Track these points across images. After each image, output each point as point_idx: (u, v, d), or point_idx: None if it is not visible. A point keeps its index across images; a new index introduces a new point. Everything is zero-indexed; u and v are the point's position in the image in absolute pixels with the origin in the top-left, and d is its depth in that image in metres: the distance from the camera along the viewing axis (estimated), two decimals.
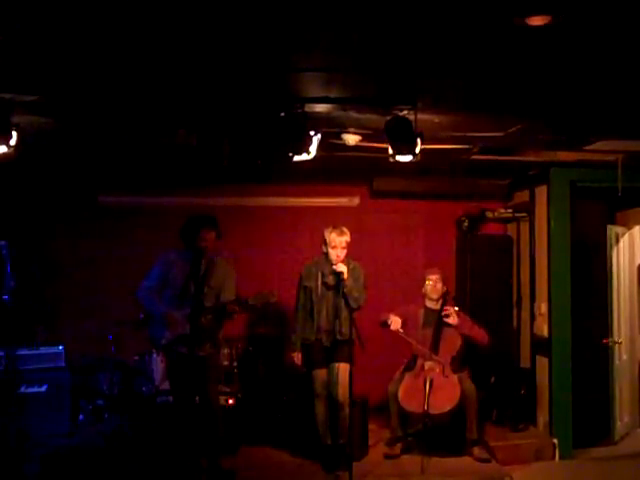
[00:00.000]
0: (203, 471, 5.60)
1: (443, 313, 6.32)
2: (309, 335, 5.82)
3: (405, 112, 4.58)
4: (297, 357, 5.91)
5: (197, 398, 5.59)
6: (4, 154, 4.49)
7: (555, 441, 6.64)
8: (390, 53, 3.67)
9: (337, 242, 5.69)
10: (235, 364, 6.74)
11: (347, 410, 5.50)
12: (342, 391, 5.60)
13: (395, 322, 6.20)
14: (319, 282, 5.78)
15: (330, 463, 5.75)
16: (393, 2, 3.00)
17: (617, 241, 7.52)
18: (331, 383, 5.74)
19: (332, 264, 5.69)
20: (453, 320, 6.28)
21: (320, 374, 5.79)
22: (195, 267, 5.63)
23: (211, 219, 5.66)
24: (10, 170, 6.28)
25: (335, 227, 5.75)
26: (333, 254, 5.69)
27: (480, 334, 6.34)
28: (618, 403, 7.35)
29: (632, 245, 7.80)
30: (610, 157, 6.12)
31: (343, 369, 5.58)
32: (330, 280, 5.73)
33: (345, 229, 5.76)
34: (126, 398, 6.50)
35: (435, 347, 6.28)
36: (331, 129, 5.21)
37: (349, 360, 5.40)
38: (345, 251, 5.72)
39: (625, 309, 7.59)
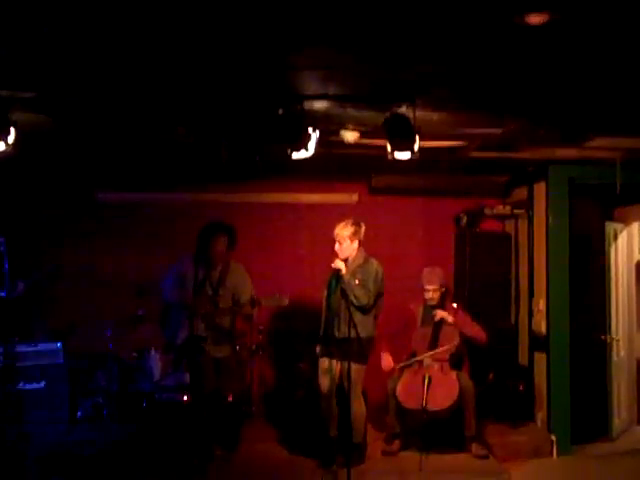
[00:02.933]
0: (216, 459, 5.78)
1: (435, 319, 6.31)
2: (321, 329, 5.84)
3: (403, 109, 4.57)
4: (317, 348, 5.93)
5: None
6: (2, 151, 4.48)
7: (553, 438, 6.66)
8: (389, 50, 3.67)
9: (335, 234, 5.72)
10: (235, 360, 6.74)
11: (351, 407, 5.51)
12: (344, 388, 5.60)
13: (387, 365, 6.27)
14: (333, 278, 5.78)
15: (329, 458, 5.74)
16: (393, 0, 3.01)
17: (615, 238, 7.53)
18: (340, 378, 5.74)
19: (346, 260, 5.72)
20: (448, 319, 6.29)
21: (323, 362, 5.80)
22: (209, 270, 5.88)
23: (225, 227, 5.92)
24: (8, 167, 6.27)
25: (344, 221, 5.77)
26: (335, 249, 5.71)
27: (477, 332, 6.33)
28: (616, 400, 7.37)
29: (630, 242, 7.81)
30: (609, 154, 6.12)
31: (344, 367, 5.56)
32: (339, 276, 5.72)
33: (350, 224, 5.73)
34: (125, 395, 6.50)
35: (434, 344, 6.28)
36: (330, 126, 5.21)
37: (349, 358, 5.35)
38: (345, 245, 5.70)
39: (623, 306, 7.60)
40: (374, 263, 5.80)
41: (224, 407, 6.05)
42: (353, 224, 5.73)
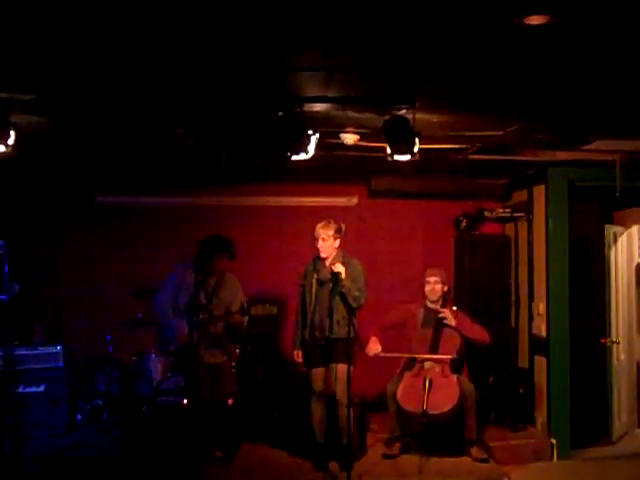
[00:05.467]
0: (216, 461, 5.80)
1: (440, 316, 6.32)
2: (305, 333, 5.84)
3: (403, 111, 4.58)
4: (297, 355, 5.93)
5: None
6: (2, 153, 4.49)
7: (553, 441, 6.64)
8: (389, 52, 3.67)
9: (317, 234, 5.75)
10: (233, 364, 6.73)
11: (344, 410, 5.49)
12: (339, 391, 5.59)
13: (372, 349, 6.16)
14: (313, 279, 5.80)
15: (322, 461, 5.75)
16: (392, 2, 3.00)
17: (615, 241, 7.52)
18: (330, 382, 5.74)
19: (322, 259, 5.75)
20: (450, 322, 6.29)
21: (317, 373, 5.79)
22: (205, 278, 5.90)
23: (225, 244, 5.92)
24: (8, 169, 6.28)
25: (325, 220, 5.80)
26: (317, 246, 5.74)
27: (480, 333, 6.32)
28: (616, 403, 7.35)
29: (630, 245, 7.80)
30: (608, 157, 6.12)
31: (340, 369, 5.57)
32: (322, 276, 5.74)
33: (332, 222, 5.76)
34: (124, 398, 6.49)
35: (435, 347, 6.27)
36: (329, 128, 5.21)
37: (347, 359, 5.36)
38: (328, 242, 5.73)
39: (623, 309, 7.59)
40: (358, 262, 5.84)
41: (223, 411, 6.03)
42: (335, 223, 5.78)
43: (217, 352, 5.97)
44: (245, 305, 6.00)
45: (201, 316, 5.82)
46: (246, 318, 6.05)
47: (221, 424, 5.96)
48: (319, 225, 5.77)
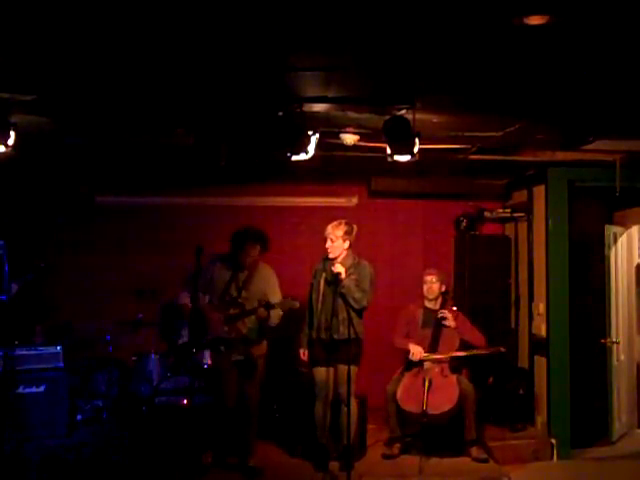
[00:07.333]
0: (233, 469, 5.80)
1: (439, 316, 6.33)
2: (311, 332, 5.84)
3: (403, 112, 4.58)
4: (303, 354, 5.94)
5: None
6: (2, 154, 4.49)
7: (553, 441, 6.64)
8: (389, 53, 3.67)
9: (326, 234, 5.75)
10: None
11: (345, 410, 5.50)
12: (342, 391, 5.59)
13: (417, 353, 6.22)
14: (321, 279, 5.80)
15: (322, 461, 5.77)
16: (392, 2, 3.00)
17: (615, 241, 7.51)
18: (335, 383, 5.75)
19: (328, 259, 5.76)
20: (449, 323, 6.30)
21: (320, 372, 5.79)
22: (237, 271, 5.85)
23: (256, 234, 5.86)
24: (8, 170, 6.28)
25: (337, 220, 5.80)
26: (326, 246, 5.75)
27: (477, 338, 6.35)
28: (616, 403, 7.35)
29: (630, 245, 7.80)
30: (608, 157, 6.12)
31: (342, 370, 5.57)
32: (329, 277, 5.74)
33: (343, 223, 5.76)
34: (124, 398, 6.48)
35: (434, 347, 6.28)
36: (329, 129, 5.21)
37: (349, 361, 5.37)
38: (337, 243, 5.72)
39: (623, 309, 7.59)
40: (367, 265, 5.84)
41: (247, 412, 5.91)
42: (346, 224, 5.77)
43: (243, 349, 5.83)
44: (269, 303, 5.87)
45: (231, 311, 5.77)
46: (272, 312, 5.78)
47: (241, 429, 5.89)
48: (329, 226, 5.77)
